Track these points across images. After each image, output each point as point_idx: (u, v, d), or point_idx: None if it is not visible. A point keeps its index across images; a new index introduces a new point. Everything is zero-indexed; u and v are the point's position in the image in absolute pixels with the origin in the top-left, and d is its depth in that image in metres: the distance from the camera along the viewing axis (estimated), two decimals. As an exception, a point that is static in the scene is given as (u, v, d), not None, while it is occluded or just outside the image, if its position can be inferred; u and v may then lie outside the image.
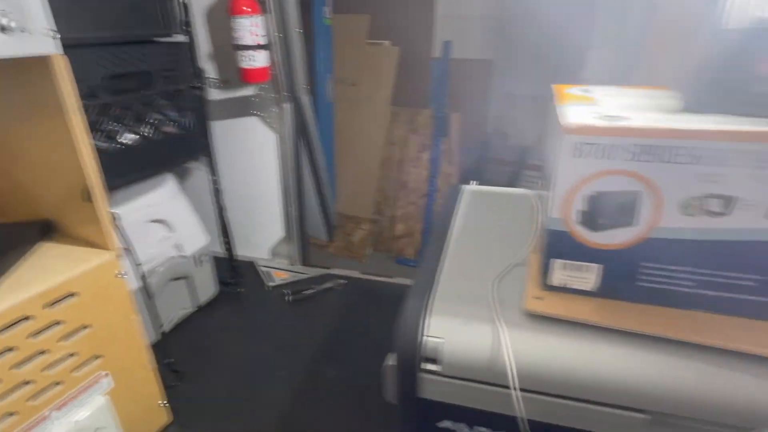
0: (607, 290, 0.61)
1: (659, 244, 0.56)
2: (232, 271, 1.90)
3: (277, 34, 1.67)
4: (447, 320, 0.63)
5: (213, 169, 1.68)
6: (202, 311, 1.73)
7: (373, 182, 2.69)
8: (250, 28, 1.60)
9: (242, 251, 2.12)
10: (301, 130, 2.01)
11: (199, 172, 1.93)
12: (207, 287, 1.78)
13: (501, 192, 1.03)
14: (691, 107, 0.57)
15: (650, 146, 0.52)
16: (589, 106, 0.60)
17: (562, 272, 0.62)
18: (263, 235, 2.14)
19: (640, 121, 0.52)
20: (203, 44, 1.76)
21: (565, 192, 0.57)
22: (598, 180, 0.55)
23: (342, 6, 2.39)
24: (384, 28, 2.50)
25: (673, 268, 0.57)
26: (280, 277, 1.99)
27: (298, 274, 2.02)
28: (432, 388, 0.63)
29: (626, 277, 0.60)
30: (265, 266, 2.08)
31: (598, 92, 0.68)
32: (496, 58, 2.31)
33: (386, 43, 2.52)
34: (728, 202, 0.52)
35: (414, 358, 0.62)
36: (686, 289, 0.58)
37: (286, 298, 1.81)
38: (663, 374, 0.54)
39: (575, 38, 1.81)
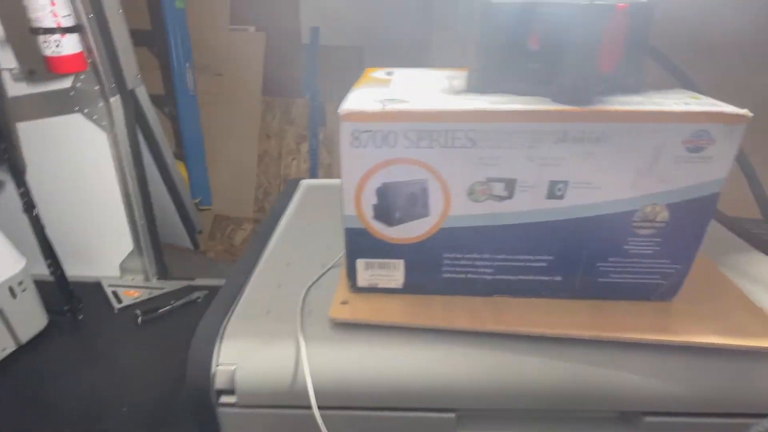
0: (414, 286, 0.58)
1: (454, 233, 0.53)
2: (68, 297, 1.62)
3: (87, 15, 1.42)
4: (243, 342, 0.54)
5: (19, 180, 1.39)
6: (26, 350, 1.44)
7: (252, 178, 2.54)
8: (49, 8, 1.34)
9: (83, 271, 1.82)
10: (140, 126, 1.76)
11: (7, 184, 1.60)
12: (31, 320, 1.49)
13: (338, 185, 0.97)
14: (474, 87, 0.54)
15: (427, 131, 0.47)
16: (378, 89, 0.55)
17: (367, 272, 0.57)
18: (108, 249, 1.85)
19: (417, 104, 0.48)
20: (-10, 27, 1.43)
21: (354, 186, 0.52)
22: (383, 170, 0.50)
23: (196, -12, 2.18)
24: (246, 13, 2.34)
25: (472, 256, 0.55)
26: (131, 297, 1.74)
27: (154, 290, 1.80)
28: (233, 422, 0.55)
29: (430, 271, 0.56)
30: (113, 285, 1.81)
31: (399, 74, 0.64)
32: (367, 45, 2.26)
33: (251, 28, 2.35)
34: (510, 184, 0.50)
35: (207, 393, 0.53)
36: (487, 276, 0.56)
37: (137, 319, 1.59)
38: (466, 370, 0.51)
39: (425, 21, 1.82)
